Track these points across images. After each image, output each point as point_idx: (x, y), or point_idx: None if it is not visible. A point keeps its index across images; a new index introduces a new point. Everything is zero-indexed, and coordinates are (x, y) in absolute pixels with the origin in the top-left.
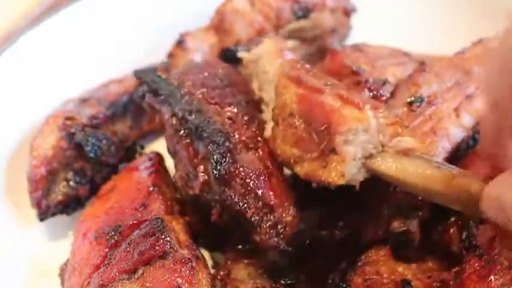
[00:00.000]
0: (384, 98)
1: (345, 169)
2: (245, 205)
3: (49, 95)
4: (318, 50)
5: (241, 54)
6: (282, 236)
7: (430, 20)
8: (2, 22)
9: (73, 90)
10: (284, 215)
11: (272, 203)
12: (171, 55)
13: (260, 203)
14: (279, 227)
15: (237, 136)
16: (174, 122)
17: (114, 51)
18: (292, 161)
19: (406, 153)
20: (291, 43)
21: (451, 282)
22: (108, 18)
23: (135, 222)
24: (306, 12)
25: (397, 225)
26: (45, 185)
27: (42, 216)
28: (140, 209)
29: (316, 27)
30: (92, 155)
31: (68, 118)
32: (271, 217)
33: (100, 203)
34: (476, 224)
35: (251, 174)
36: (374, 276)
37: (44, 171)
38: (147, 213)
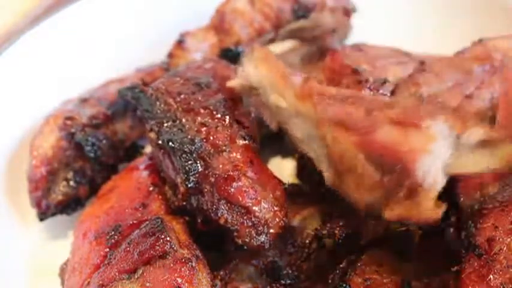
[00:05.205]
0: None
1: (435, 201)
2: (216, 211)
3: (49, 95)
4: (318, 50)
5: (231, 83)
6: (266, 234)
7: (430, 20)
8: (2, 22)
9: (73, 90)
10: (262, 213)
11: (246, 204)
12: (171, 55)
13: (233, 207)
14: (260, 226)
15: (208, 140)
16: (152, 136)
17: (115, 51)
18: (377, 206)
19: (483, 145)
20: (291, 43)
21: (450, 282)
22: (108, 18)
23: (135, 222)
24: (306, 12)
25: (397, 225)
26: (45, 185)
27: (42, 216)
28: (140, 209)
29: (316, 27)
30: (92, 155)
31: (68, 118)
32: (248, 218)
33: (100, 203)
34: (475, 224)
35: (219, 179)
36: (374, 276)
37: (44, 171)
38: (147, 213)
